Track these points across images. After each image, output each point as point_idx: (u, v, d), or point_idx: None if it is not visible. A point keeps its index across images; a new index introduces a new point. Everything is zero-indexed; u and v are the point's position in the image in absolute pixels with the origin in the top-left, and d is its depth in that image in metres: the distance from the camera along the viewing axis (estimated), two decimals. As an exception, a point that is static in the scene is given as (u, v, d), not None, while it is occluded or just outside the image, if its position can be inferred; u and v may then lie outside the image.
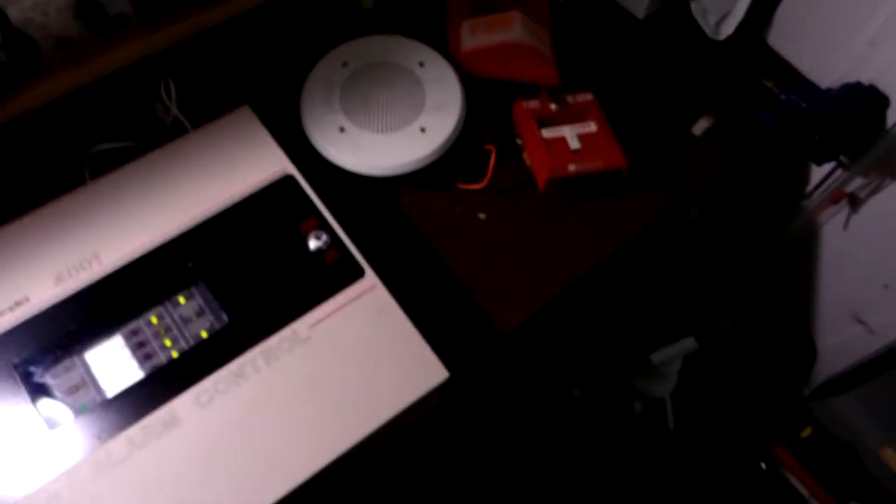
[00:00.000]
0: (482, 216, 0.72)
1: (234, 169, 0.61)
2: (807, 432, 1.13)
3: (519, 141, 0.74)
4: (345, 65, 0.71)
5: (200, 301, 0.57)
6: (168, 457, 0.49)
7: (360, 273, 0.58)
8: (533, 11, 0.79)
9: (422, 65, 0.72)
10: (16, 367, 0.52)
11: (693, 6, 0.80)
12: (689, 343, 1.00)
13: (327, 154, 0.67)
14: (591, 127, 0.73)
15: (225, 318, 0.55)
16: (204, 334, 0.56)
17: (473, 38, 0.74)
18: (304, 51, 0.74)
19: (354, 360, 0.54)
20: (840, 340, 1.03)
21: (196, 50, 0.66)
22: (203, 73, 0.70)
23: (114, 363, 0.54)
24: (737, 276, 1.12)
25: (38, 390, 0.52)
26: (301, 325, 0.55)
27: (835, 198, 0.88)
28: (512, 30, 0.73)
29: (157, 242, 0.57)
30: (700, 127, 0.79)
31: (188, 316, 0.57)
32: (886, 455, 1.08)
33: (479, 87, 0.75)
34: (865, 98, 0.76)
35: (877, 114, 0.78)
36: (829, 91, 0.79)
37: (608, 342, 1.09)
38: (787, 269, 1.05)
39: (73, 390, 0.53)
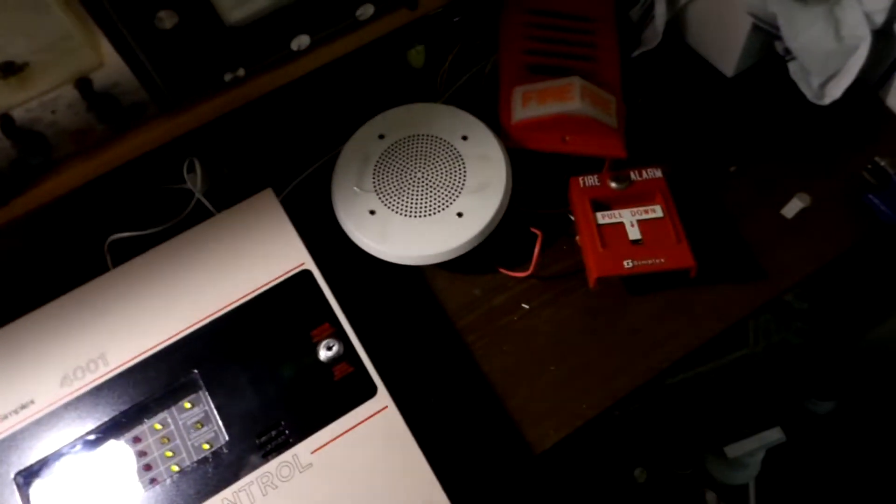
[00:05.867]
0: (525, 306, 0.65)
1: (249, 262, 0.57)
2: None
3: (573, 218, 0.66)
4: (381, 137, 0.66)
5: (206, 409, 0.53)
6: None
7: (371, 392, 0.52)
8: (600, 71, 0.70)
9: (465, 138, 0.65)
10: (15, 476, 0.50)
11: (791, 66, 0.67)
12: (773, 435, 0.88)
13: (355, 239, 0.62)
14: (657, 212, 0.63)
15: (224, 436, 0.52)
16: (206, 447, 0.53)
17: (525, 108, 0.66)
18: (345, 117, 0.70)
19: (356, 496, 0.49)
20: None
21: (223, 127, 0.63)
22: (231, 151, 0.67)
23: (115, 474, 0.52)
24: (839, 353, 0.97)
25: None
26: (303, 450, 0.50)
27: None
28: (570, 101, 0.64)
29: (164, 343, 0.55)
30: (792, 208, 0.67)
31: (192, 424, 0.54)
32: None
33: (532, 157, 0.67)
34: None
35: None
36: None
37: (677, 427, 0.97)
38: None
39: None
